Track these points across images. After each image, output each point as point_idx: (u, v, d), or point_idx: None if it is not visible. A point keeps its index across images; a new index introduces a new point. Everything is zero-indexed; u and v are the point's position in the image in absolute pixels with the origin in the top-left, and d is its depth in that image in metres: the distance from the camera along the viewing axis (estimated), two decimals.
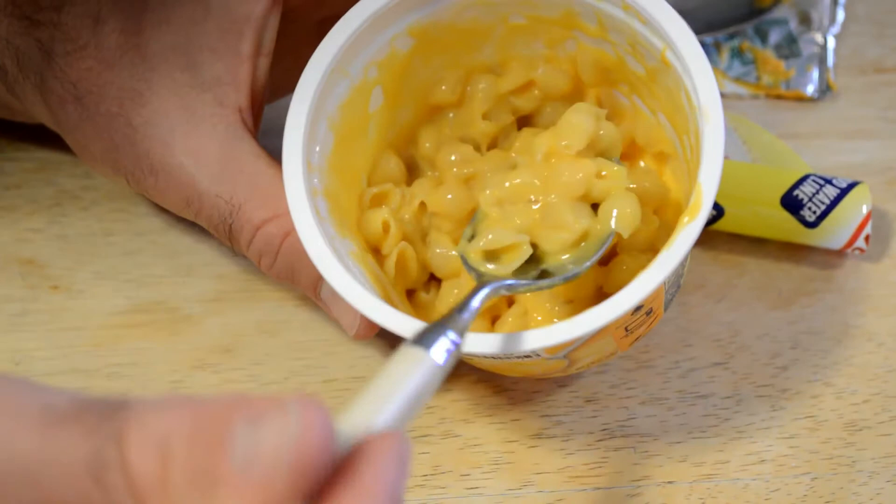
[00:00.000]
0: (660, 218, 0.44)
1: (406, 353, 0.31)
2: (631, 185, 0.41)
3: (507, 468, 0.45)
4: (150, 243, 0.50)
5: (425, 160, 0.46)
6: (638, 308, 0.38)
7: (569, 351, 0.40)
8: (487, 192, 0.42)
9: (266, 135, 0.45)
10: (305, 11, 0.45)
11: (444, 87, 0.46)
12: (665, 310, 0.42)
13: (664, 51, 0.40)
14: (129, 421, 0.25)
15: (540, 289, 0.40)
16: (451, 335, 0.32)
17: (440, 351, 0.31)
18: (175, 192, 0.44)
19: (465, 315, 0.35)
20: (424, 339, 0.31)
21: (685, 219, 0.38)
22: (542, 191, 0.41)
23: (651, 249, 0.43)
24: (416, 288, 0.45)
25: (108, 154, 0.45)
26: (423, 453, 0.45)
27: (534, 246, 0.40)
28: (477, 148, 0.46)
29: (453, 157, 0.45)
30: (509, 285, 0.39)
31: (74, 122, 0.45)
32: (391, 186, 0.45)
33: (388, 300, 0.41)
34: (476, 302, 0.36)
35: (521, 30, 0.44)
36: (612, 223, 0.40)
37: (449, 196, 0.44)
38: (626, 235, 0.40)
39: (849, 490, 0.44)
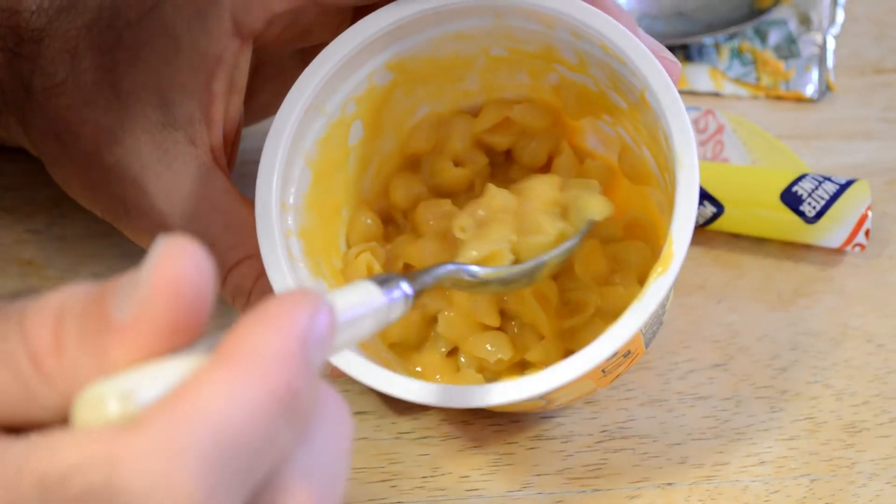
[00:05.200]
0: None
1: (359, 284, 0.31)
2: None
3: (506, 470, 0.45)
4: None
5: (398, 211, 0.46)
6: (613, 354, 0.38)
7: (544, 393, 0.40)
8: (460, 218, 0.42)
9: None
10: (285, 43, 0.45)
11: (418, 137, 0.46)
12: (646, 347, 0.42)
13: (643, 91, 0.39)
14: (29, 302, 0.26)
15: (511, 275, 0.40)
16: (405, 286, 0.32)
17: (391, 292, 0.32)
18: (148, 232, 0.43)
19: (425, 278, 0.35)
20: (379, 280, 0.32)
21: (658, 269, 0.38)
22: (514, 208, 0.41)
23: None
24: (410, 346, 0.45)
25: (85, 191, 0.44)
26: (423, 455, 0.45)
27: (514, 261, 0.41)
28: (451, 194, 0.46)
29: (430, 214, 0.45)
30: (472, 272, 0.39)
31: (55, 158, 0.45)
32: (374, 245, 0.45)
33: (363, 347, 0.41)
34: (439, 270, 0.37)
35: (503, 62, 0.44)
36: (585, 215, 0.41)
37: (426, 251, 0.44)
38: (600, 218, 0.41)
39: (848, 492, 0.44)
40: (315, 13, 0.43)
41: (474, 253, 0.40)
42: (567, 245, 0.41)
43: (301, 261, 0.42)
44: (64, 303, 0.25)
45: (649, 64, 0.39)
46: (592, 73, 0.42)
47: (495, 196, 0.42)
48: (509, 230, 0.41)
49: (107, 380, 0.24)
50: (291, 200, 0.42)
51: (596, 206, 0.41)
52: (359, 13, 0.42)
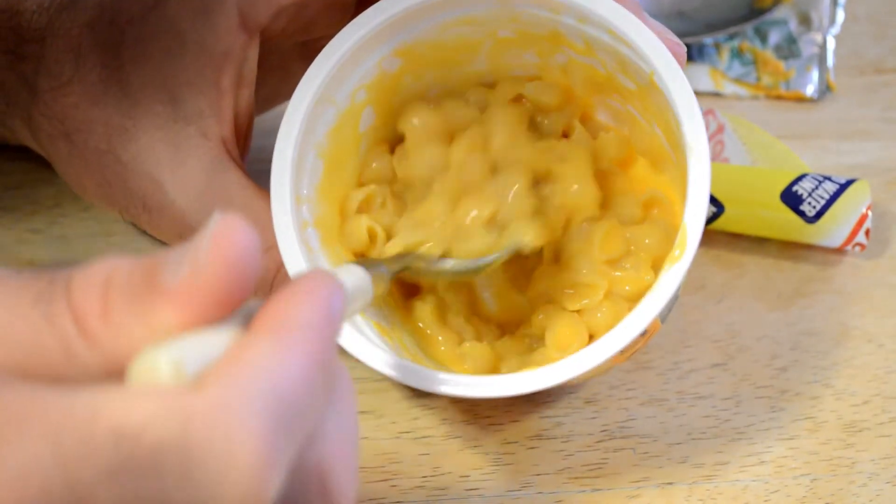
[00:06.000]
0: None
1: (349, 267, 0.34)
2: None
3: (506, 469, 0.45)
4: (150, 244, 0.50)
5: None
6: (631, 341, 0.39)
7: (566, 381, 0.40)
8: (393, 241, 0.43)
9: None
10: (288, 36, 0.45)
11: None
12: (663, 322, 0.42)
13: (652, 74, 0.40)
14: (75, 269, 0.27)
15: (445, 271, 0.42)
16: (382, 267, 0.37)
17: (371, 271, 0.35)
18: (168, 227, 0.44)
19: (394, 264, 0.39)
20: (362, 262, 0.35)
21: (675, 252, 0.38)
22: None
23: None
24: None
25: (101, 189, 0.45)
26: (423, 454, 0.45)
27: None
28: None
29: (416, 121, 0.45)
30: (419, 256, 0.42)
31: (65, 158, 0.45)
32: (374, 188, 0.44)
33: (382, 332, 0.42)
34: (406, 257, 0.40)
35: (510, 43, 0.44)
36: (514, 240, 0.42)
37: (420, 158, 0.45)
38: (527, 248, 0.42)
39: (848, 491, 0.44)
40: (319, 6, 0.43)
41: (406, 240, 0.42)
42: (496, 256, 0.42)
43: (319, 251, 0.42)
44: (111, 270, 0.26)
45: (657, 50, 0.39)
46: (600, 56, 0.42)
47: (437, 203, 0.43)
48: (441, 232, 0.43)
49: (157, 346, 0.25)
50: (305, 192, 0.42)
51: (526, 236, 0.42)
52: (361, 5, 0.42)
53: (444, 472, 0.45)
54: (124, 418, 0.23)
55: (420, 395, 0.46)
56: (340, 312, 0.28)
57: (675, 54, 0.39)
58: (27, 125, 0.46)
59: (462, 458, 0.45)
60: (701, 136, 0.38)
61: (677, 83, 0.39)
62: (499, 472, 0.45)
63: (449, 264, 0.42)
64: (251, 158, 0.46)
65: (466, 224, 0.42)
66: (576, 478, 0.44)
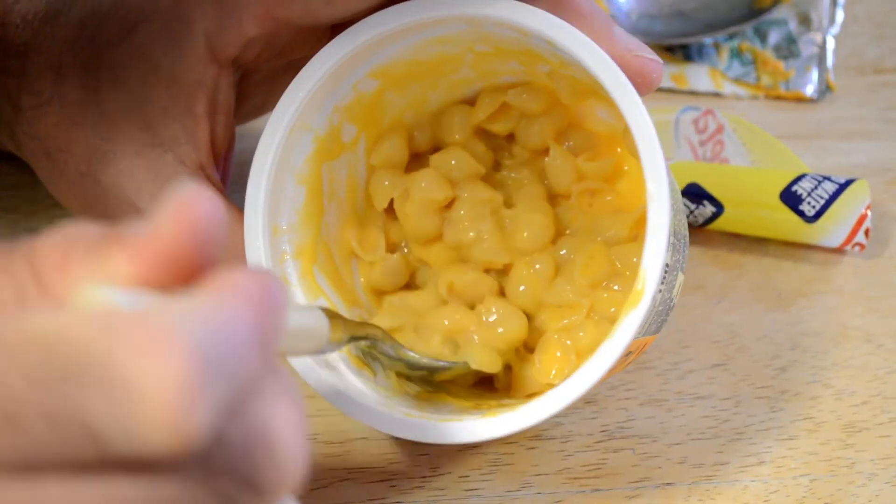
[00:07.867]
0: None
1: (315, 311, 0.34)
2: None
3: (505, 469, 0.45)
4: None
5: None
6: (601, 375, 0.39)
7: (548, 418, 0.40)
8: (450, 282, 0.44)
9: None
10: (265, 62, 0.45)
11: (416, 136, 0.46)
12: (657, 333, 0.42)
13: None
14: (43, 231, 0.27)
15: (413, 364, 0.43)
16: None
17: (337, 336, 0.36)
18: None
19: (357, 330, 0.39)
20: (331, 317, 0.35)
21: (629, 305, 0.37)
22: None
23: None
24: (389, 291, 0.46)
25: (84, 210, 0.45)
26: (422, 454, 0.45)
27: None
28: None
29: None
30: (394, 345, 0.42)
31: (49, 176, 0.45)
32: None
33: (359, 365, 0.43)
34: (371, 332, 0.41)
35: (489, 55, 0.43)
36: (466, 359, 0.43)
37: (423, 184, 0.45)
38: (476, 368, 0.43)
39: (847, 492, 0.44)
40: (291, 34, 0.43)
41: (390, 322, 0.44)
42: (442, 365, 0.43)
43: (297, 285, 0.42)
44: (77, 229, 0.26)
45: (620, 90, 0.38)
46: (576, 69, 0.42)
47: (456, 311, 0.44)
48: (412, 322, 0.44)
49: (99, 283, 0.25)
50: (284, 222, 0.42)
51: (480, 360, 0.43)
52: (336, 28, 0.42)
53: (443, 473, 0.45)
54: (48, 326, 0.23)
55: None
56: (280, 305, 0.27)
57: (648, 72, 0.38)
58: (12, 140, 0.46)
59: (461, 459, 0.45)
60: (661, 181, 0.37)
61: (640, 128, 0.37)
62: (498, 472, 0.45)
63: (409, 355, 0.42)
64: (242, 160, 0.46)
65: (436, 327, 0.43)
66: (575, 478, 0.44)
